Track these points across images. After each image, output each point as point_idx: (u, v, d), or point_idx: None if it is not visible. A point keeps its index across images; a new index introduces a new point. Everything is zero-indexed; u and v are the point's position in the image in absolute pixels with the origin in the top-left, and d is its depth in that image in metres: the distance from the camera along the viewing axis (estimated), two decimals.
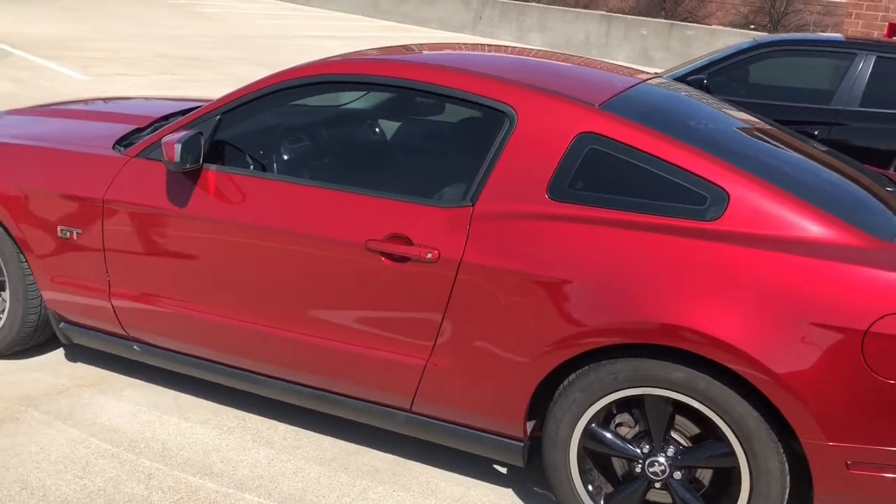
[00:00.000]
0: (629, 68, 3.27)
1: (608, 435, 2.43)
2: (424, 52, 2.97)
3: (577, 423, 2.42)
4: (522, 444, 2.55)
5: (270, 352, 2.77)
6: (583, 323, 2.30)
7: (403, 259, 2.49)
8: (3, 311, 3.23)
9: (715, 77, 5.66)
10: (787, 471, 2.23)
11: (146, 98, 4.07)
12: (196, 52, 12.27)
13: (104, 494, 2.57)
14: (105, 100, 4.10)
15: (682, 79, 5.68)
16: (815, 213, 2.26)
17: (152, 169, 2.85)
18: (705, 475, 2.40)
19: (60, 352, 3.43)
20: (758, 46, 5.77)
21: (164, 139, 2.68)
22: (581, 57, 3.34)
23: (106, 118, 3.49)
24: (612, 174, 2.41)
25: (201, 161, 2.75)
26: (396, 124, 3.19)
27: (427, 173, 2.78)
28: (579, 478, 2.47)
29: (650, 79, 3.09)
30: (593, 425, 2.43)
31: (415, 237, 2.48)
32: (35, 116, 3.60)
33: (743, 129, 2.89)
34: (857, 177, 2.83)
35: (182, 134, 2.69)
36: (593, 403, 2.38)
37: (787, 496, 2.27)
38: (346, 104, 3.05)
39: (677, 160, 2.36)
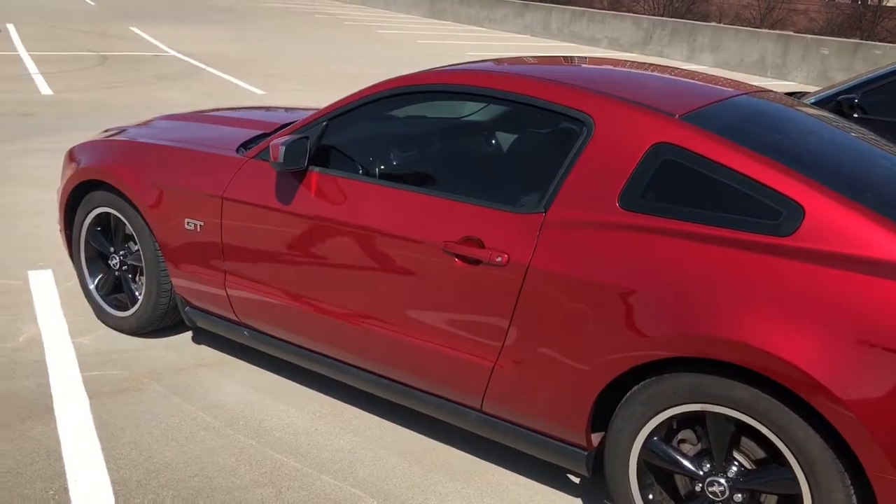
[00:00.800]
0: (735, 81, 3.17)
1: (669, 450, 2.39)
2: (519, 63, 3.05)
3: (637, 435, 2.40)
4: (587, 453, 2.55)
5: (358, 344, 2.93)
6: (644, 333, 2.28)
7: (475, 262, 2.58)
8: (141, 293, 3.62)
9: (871, 96, 5.31)
10: (854, 503, 2.11)
11: (287, 108, 4.40)
12: (366, 70, 12.92)
13: (198, 462, 2.82)
14: (247, 108, 4.48)
15: (831, 98, 5.39)
16: (893, 232, 2.12)
17: (266, 170, 3.11)
18: (769, 501, 2.30)
19: (189, 334, 3.78)
20: None
21: (272, 142, 2.93)
22: (681, 69, 3.28)
23: (240, 124, 3.82)
24: (685, 185, 2.38)
25: (306, 163, 2.97)
26: (481, 131, 3.28)
27: (507, 180, 2.85)
28: (638, 491, 2.44)
29: (755, 92, 2.99)
30: (655, 439, 2.39)
31: (487, 241, 2.56)
32: (180, 121, 3.99)
33: (843, 146, 2.74)
34: None
35: (288, 137, 2.92)
36: (653, 417, 2.35)
37: None
38: (433, 113, 3.18)
39: (753, 173, 2.29)
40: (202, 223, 3.25)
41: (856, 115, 5.24)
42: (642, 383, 2.36)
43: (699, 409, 2.27)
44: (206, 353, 3.63)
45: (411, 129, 3.22)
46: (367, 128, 3.06)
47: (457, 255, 2.61)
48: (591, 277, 2.38)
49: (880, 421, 2.00)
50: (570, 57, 3.33)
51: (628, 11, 31.77)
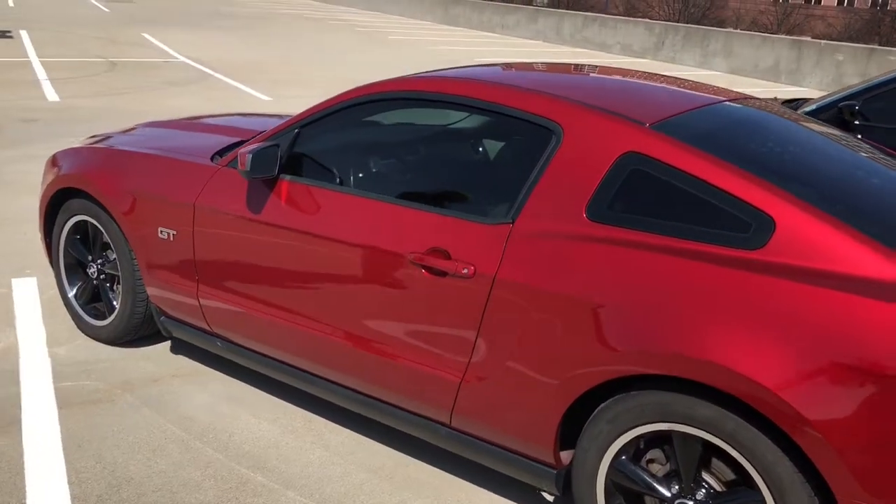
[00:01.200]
0: (718, 88, 3.08)
1: (637, 470, 2.30)
2: (494, 70, 2.97)
3: (604, 454, 2.31)
4: (556, 472, 2.47)
5: (328, 356, 2.87)
6: (610, 349, 2.20)
7: (442, 273, 2.51)
8: (117, 302, 3.57)
9: (872, 103, 5.19)
10: None
11: (276, 115, 4.34)
12: (373, 75, 12.89)
13: (163, 476, 2.77)
14: (234, 115, 4.43)
15: (832, 105, 5.28)
16: (869, 247, 2.03)
17: (238, 178, 3.05)
18: None
19: (167, 345, 3.73)
20: None
21: (241, 150, 2.87)
22: (664, 75, 3.19)
23: (222, 131, 3.77)
24: (654, 196, 2.30)
25: (276, 171, 2.91)
26: (452, 140, 3.21)
27: (476, 190, 2.77)
28: None
29: (735, 99, 2.90)
30: (623, 458, 2.31)
31: (454, 252, 2.49)
32: (163, 128, 3.96)
33: (822, 155, 2.65)
34: None
35: (257, 145, 2.87)
36: (620, 435, 2.27)
37: None
38: (405, 121, 3.12)
39: (723, 184, 2.21)
40: (175, 232, 3.20)
41: (857, 123, 5.12)
42: (609, 401, 2.28)
43: (666, 428, 2.19)
44: (183, 363, 3.58)
45: (382, 137, 3.16)
46: (338, 135, 3.00)
47: (423, 267, 2.54)
48: (558, 290, 2.30)
49: (849, 443, 1.91)
50: (551, 63, 3.25)
51: (643, 17, 31.64)
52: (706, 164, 2.25)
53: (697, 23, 33.05)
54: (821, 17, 43.88)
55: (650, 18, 28.94)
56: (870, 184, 2.54)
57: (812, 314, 1.97)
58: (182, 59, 14.22)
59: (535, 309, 2.34)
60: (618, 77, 3.08)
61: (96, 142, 3.82)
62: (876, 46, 16.98)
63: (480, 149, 3.11)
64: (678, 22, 29.17)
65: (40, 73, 11.52)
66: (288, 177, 2.94)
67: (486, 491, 2.82)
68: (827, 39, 20.52)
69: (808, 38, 18.29)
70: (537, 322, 2.34)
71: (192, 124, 4.01)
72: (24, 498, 2.60)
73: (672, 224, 2.24)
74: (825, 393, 1.92)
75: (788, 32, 34.15)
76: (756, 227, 2.14)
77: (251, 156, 2.80)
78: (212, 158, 3.27)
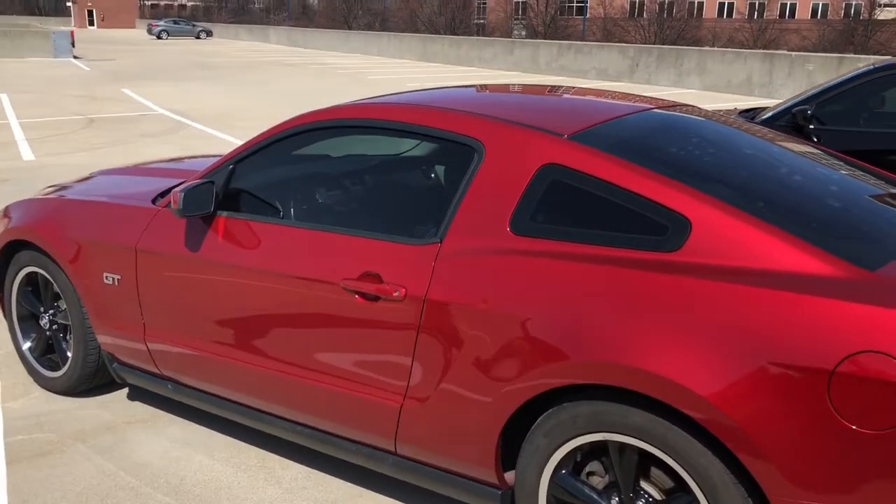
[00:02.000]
0: (649, 98, 3.09)
1: (577, 484, 2.26)
2: (418, 94, 2.99)
3: (542, 469, 2.28)
4: (501, 493, 2.43)
5: (273, 390, 2.84)
6: (539, 363, 2.18)
7: (374, 298, 2.49)
8: (70, 352, 3.55)
9: (825, 107, 5.23)
10: None
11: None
12: None
13: None
14: (192, 158, 4.44)
15: (786, 111, 5.32)
16: (787, 242, 2.02)
17: (176, 219, 3.05)
18: None
19: (124, 392, 3.69)
20: (876, 71, 5.28)
21: (174, 189, 2.87)
22: (586, 88, 3.21)
23: (172, 174, 3.78)
24: (574, 206, 2.29)
25: (212, 208, 2.91)
26: (381, 165, 3.22)
27: (406, 211, 2.77)
28: None
29: (663, 107, 2.91)
30: (562, 472, 2.27)
31: (385, 275, 2.48)
32: (116, 175, 3.96)
33: (746, 156, 2.65)
34: (883, 199, 2.50)
35: (190, 183, 2.87)
36: (557, 449, 2.24)
37: None
38: (335, 150, 3.13)
39: (638, 188, 2.21)
40: (119, 276, 3.19)
41: (811, 126, 5.15)
42: (543, 415, 2.25)
43: (600, 438, 2.16)
44: (139, 410, 3.54)
45: (314, 167, 3.17)
46: (271, 168, 3.00)
47: (356, 292, 2.53)
48: (484, 306, 2.29)
49: (776, 441, 1.88)
50: (481, 84, 3.27)
51: (620, 41, 31.98)
52: (621, 171, 2.25)
53: (673, 44, 33.42)
54: (795, 31, 44.39)
55: (627, 42, 29.26)
56: (793, 182, 2.53)
57: (732, 312, 1.96)
58: (160, 110, 14.33)
59: (464, 327, 2.32)
60: (543, 93, 3.10)
61: (48, 193, 3.82)
62: (845, 55, 17.17)
63: (409, 171, 3.11)
64: (653, 44, 29.48)
65: (18, 133, 11.58)
66: (224, 213, 2.93)
67: None
68: (802, 52, 20.75)
69: (776, 51, 18.49)
70: (467, 340, 2.32)
71: (146, 169, 4.02)
72: None
73: (592, 232, 2.23)
74: (749, 391, 1.90)
75: (764, 48, 34.49)
76: (672, 229, 2.13)
77: (183, 194, 2.80)
78: (153, 201, 3.27)
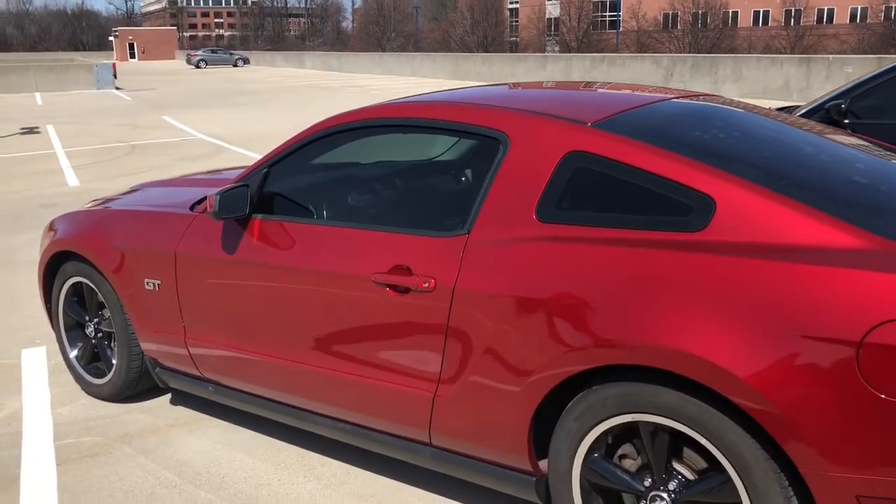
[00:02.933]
0: (672, 90, 3.11)
1: (609, 467, 2.27)
2: (443, 93, 3.04)
3: (575, 453, 2.29)
4: (535, 479, 2.44)
5: (311, 388, 2.89)
6: (568, 345, 2.20)
7: (405, 290, 2.54)
8: (115, 359, 3.65)
9: (859, 101, 5.18)
10: None
11: None
12: None
13: None
14: (226, 169, 4.55)
15: (820, 107, 5.27)
16: (811, 216, 2.03)
17: (213, 223, 3.13)
18: None
19: (167, 397, 3.79)
20: None
21: (209, 194, 2.96)
22: (610, 83, 3.23)
23: (207, 184, 3.88)
24: (599, 191, 2.32)
25: (247, 210, 2.98)
26: (412, 162, 3.27)
27: (435, 206, 2.82)
28: None
29: (687, 96, 2.93)
30: (595, 456, 2.29)
31: (415, 267, 2.53)
32: (160, 187, 4.07)
33: (771, 139, 2.65)
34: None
35: (226, 187, 2.96)
36: (589, 432, 2.25)
37: None
38: (367, 149, 3.19)
39: (663, 171, 2.23)
40: (160, 282, 3.28)
41: (846, 121, 5.10)
42: (574, 399, 2.27)
43: (631, 419, 2.17)
44: (182, 413, 3.62)
45: (345, 169, 3.24)
46: (303, 170, 3.08)
47: (387, 285, 2.58)
48: (512, 293, 2.32)
49: (808, 415, 1.87)
50: (502, 83, 3.32)
51: (654, 53, 31.83)
52: (644, 154, 2.28)
53: (709, 52, 33.14)
54: (833, 36, 43.77)
55: (659, 53, 29.13)
56: (818, 161, 2.53)
57: (760, 288, 1.96)
58: (199, 135, 14.64)
59: (494, 315, 2.36)
60: (566, 87, 3.14)
61: (94, 205, 3.95)
62: (883, 55, 16.90)
63: (437, 168, 3.16)
64: (688, 53, 29.30)
65: (64, 161, 11.92)
66: (259, 216, 3.01)
67: None
68: (840, 54, 20.48)
69: (816, 55, 18.25)
70: (497, 328, 2.35)
71: (188, 180, 4.13)
72: None
73: (618, 216, 2.26)
74: (780, 366, 1.90)
75: (804, 52, 34.03)
76: (697, 208, 2.15)
77: (218, 197, 2.89)
78: (191, 208, 3.37)
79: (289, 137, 2.91)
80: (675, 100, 2.84)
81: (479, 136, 2.60)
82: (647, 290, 2.10)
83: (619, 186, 2.29)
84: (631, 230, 2.21)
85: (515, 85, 3.14)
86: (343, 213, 3.06)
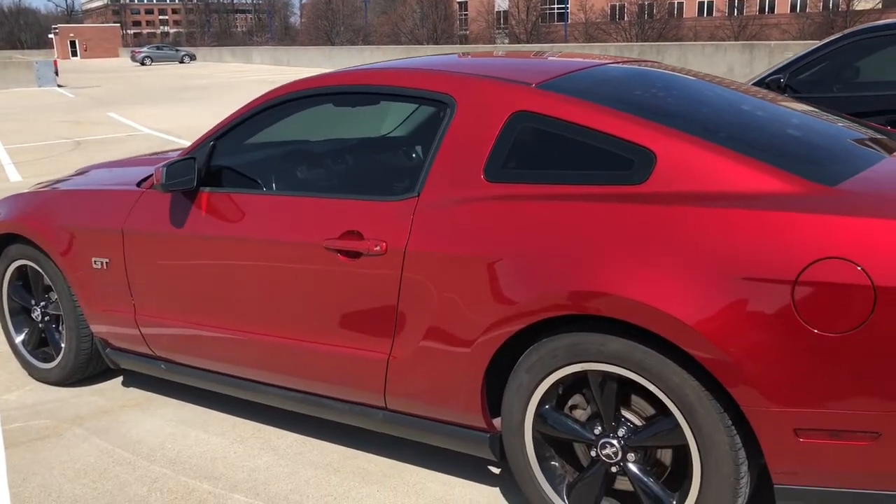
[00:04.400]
0: (611, 56, 3.17)
1: (560, 417, 2.32)
2: (389, 61, 3.06)
3: (527, 405, 2.34)
4: (490, 436, 2.48)
5: (264, 358, 2.89)
6: (515, 300, 2.24)
7: (357, 255, 2.55)
8: (63, 342, 3.59)
9: (798, 75, 5.33)
10: (738, 445, 2.03)
11: None
12: None
13: (109, 495, 2.76)
14: (173, 150, 4.49)
15: (759, 83, 5.41)
16: (748, 165, 2.10)
17: (162, 198, 3.11)
18: (666, 458, 2.23)
19: (119, 379, 3.74)
20: (845, 38, 5.38)
21: (156, 166, 2.93)
22: (558, 52, 3.29)
23: (154, 163, 3.83)
24: (544, 150, 2.36)
25: (195, 183, 2.96)
26: (359, 129, 3.29)
27: (385, 171, 2.84)
28: (538, 465, 2.37)
29: (626, 61, 2.99)
30: (546, 407, 2.33)
31: (366, 232, 2.54)
32: (108, 168, 4.00)
33: (709, 97, 2.72)
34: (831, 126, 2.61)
35: (172, 159, 2.93)
36: (539, 384, 2.30)
37: (745, 474, 2.05)
38: (313, 119, 3.19)
39: (605, 127, 2.28)
40: (108, 260, 3.24)
41: (785, 96, 5.23)
42: (526, 352, 2.31)
43: (580, 368, 2.22)
44: (134, 394, 3.58)
45: (294, 137, 3.24)
46: (251, 142, 3.07)
47: (339, 251, 2.59)
48: (463, 252, 2.35)
49: (749, 354, 1.94)
50: (453, 53, 3.35)
51: (599, 43, 32.19)
52: (586, 112, 2.32)
53: (656, 41, 33.64)
54: (775, 25, 44.79)
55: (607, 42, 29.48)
56: (754, 116, 2.61)
57: (699, 235, 2.02)
58: (147, 131, 14.39)
59: (444, 275, 2.39)
60: (511, 56, 3.17)
61: (38, 188, 3.87)
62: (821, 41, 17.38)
63: (386, 136, 3.18)
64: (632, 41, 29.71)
65: (4, 158, 11.62)
66: (207, 189, 2.99)
67: (431, 472, 2.82)
68: (791, 41, 20.94)
69: (759, 42, 18.67)
70: (449, 287, 2.38)
71: (136, 160, 4.07)
72: None
73: (563, 172, 2.30)
74: (718, 307, 1.96)
75: (748, 40, 34.75)
76: (638, 162, 2.21)
77: (165, 168, 2.86)
78: (138, 184, 3.33)
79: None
80: (616, 64, 2.90)
81: (426, 100, 2.62)
82: (593, 242, 2.15)
83: (564, 144, 2.33)
84: (576, 185, 2.26)
85: (464, 54, 3.17)
86: (293, 184, 3.05)
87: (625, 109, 2.33)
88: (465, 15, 57.13)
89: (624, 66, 2.90)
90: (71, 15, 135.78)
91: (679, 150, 2.17)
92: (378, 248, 2.50)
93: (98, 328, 3.41)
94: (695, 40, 39.91)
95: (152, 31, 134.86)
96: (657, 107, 2.48)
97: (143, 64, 54.14)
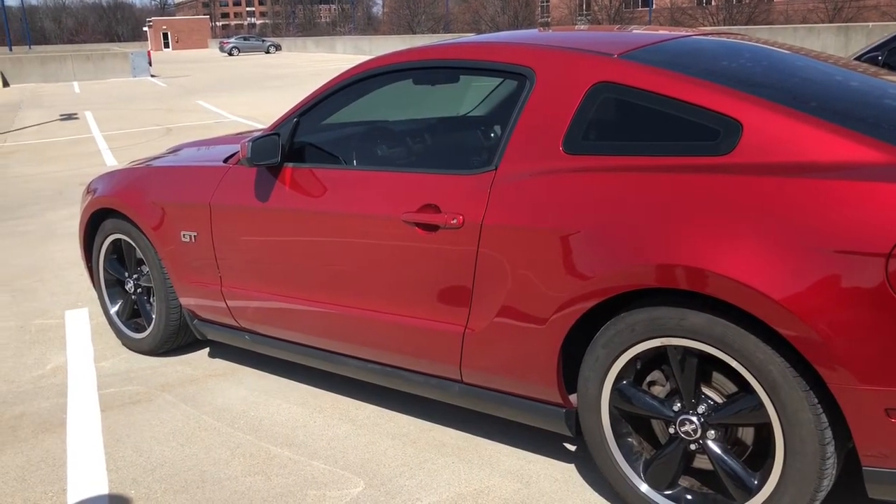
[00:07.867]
0: (698, 29, 3.09)
1: (638, 393, 2.29)
2: (470, 38, 3.06)
3: (604, 381, 2.31)
4: (565, 411, 2.47)
5: (345, 330, 2.94)
6: (594, 273, 2.22)
7: (434, 227, 2.57)
8: (153, 313, 3.74)
9: None
10: (825, 424, 1.96)
11: None
12: None
13: (195, 457, 2.87)
14: (259, 131, 4.60)
15: (857, 59, 5.18)
16: (835, 132, 2.01)
17: (247, 173, 3.19)
18: (748, 436, 2.17)
19: (206, 350, 3.88)
20: None
21: (241, 142, 3.01)
22: (642, 25, 3.22)
23: (240, 141, 3.94)
24: (625, 121, 2.32)
25: (279, 159, 3.03)
26: (438, 103, 3.29)
27: (464, 145, 2.85)
28: (614, 441, 2.35)
29: (710, 34, 2.91)
30: (623, 383, 2.30)
31: (443, 205, 2.56)
32: (199, 146, 4.14)
33: (797, 67, 2.62)
34: None
35: (257, 135, 3.01)
36: (616, 359, 2.27)
37: (831, 455, 1.99)
38: (397, 94, 3.21)
39: (690, 97, 2.22)
40: (195, 233, 3.35)
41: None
42: (604, 326, 2.29)
43: (659, 343, 2.18)
44: (220, 365, 3.71)
45: (375, 113, 3.27)
46: (333, 118, 3.12)
47: (416, 224, 2.61)
48: (541, 225, 2.34)
49: (839, 331, 1.87)
50: (534, 28, 3.33)
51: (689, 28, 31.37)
52: (671, 81, 2.27)
53: (744, 25, 32.55)
54: (874, 7, 42.67)
55: (693, 27, 28.71)
56: (846, 87, 2.50)
57: (787, 206, 1.96)
58: (233, 118, 14.80)
59: (522, 248, 2.38)
60: (593, 30, 3.13)
61: (132, 165, 4.03)
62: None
63: (466, 119, 3.18)
64: (720, 26, 28.81)
65: (102, 144, 12.14)
66: (291, 164, 3.06)
67: (507, 446, 2.83)
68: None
69: (855, 24, 17.85)
70: (525, 261, 2.37)
71: (224, 139, 4.20)
72: (66, 485, 2.73)
73: (646, 144, 2.26)
74: (808, 282, 1.90)
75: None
76: (724, 132, 2.15)
77: (250, 144, 2.94)
78: (225, 161, 3.43)
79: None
80: (701, 36, 2.83)
81: (505, 72, 2.61)
82: (676, 214, 2.10)
83: (646, 114, 2.29)
84: (658, 157, 2.22)
85: (545, 28, 3.15)
86: (373, 160, 3.09)
87: (708, 79, 2.27)
88: (547, 2, 56.54)
89: (708, 37, 2.82)
90: (164, 8, 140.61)
91: (766, 120, 2.10)
92: (455, 220, 2.51)
93: (186, 300, 3.54)
94: (785, 24, 38.44)
95: (240, 22, 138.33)
96: (743, 77, 2.41)
97: (230, 54, 55.64)
